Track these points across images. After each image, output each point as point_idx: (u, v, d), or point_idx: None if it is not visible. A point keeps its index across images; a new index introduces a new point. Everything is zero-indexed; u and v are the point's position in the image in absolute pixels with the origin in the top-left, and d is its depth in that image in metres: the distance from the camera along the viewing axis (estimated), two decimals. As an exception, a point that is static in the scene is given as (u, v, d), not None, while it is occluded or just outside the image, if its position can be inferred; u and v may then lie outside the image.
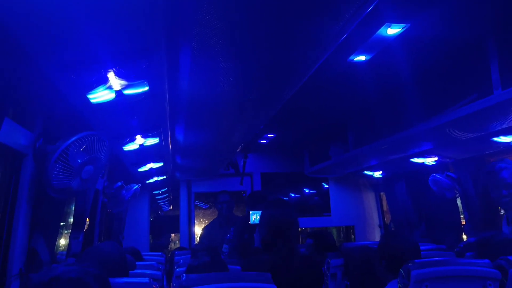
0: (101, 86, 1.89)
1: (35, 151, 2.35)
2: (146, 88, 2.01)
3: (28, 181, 2.35)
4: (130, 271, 2.57)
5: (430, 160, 4.41)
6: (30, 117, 2.33)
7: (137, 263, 3.36)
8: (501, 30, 2.47)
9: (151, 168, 4.62)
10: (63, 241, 4.73)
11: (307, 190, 7.27)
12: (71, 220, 3.82)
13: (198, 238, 6.64)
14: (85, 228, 3.97)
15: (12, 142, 2.14)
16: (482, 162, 4.41)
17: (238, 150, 5.17)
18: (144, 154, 3.82)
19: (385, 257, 2.40)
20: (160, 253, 4.87)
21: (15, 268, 2.29)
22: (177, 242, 10.22)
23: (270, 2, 1.57)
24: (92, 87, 1.89)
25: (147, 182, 5.67)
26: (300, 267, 2.38)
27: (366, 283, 2.85)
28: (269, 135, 5.30)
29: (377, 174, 5.82)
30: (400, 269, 2.20)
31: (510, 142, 3.31)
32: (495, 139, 3.28)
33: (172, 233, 10.77)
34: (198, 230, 10.74)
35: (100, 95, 1.96)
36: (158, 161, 4.47)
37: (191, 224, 6.62)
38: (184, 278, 2.23)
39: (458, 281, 2.19)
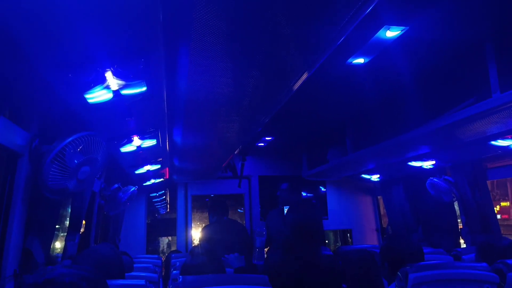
0: (98, 86, 1.87)
1: (31, 151, 2.33)
2: (144, 88, 2.00)
3: (23, 182, 2.33)
4: (127, 273, 2.56)
5: (427, 164, 4.42)
6: (26, 116, 2.31)
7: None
8: (499, 33, 2.47)
9: (148, 170, 4.60)
10: (59, 244, 4.70)
11: (304, 194, 7.26)
12: (67, 222, 3.79)
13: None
14: (81, 230, 3.95)
15: (8, 141, 2.13)
16: (480, 166, 4.41)
17: (236, 152, 5.16)
18: (142, 156, 3.81)
19: (388, 260, 2.39)
20: (156, 256, 4.86)
21: (9, 269, 2.26)
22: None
23: (268, 3, 1.57)
24: (90, 86, 1.88)
25: (144, 184, 5.65)
26: (319, 270, 2.35)
27: (363, 287, 2.83)
28: (267, 138, 5.30)
29: (375, 177, 5.83)
30: (398, 272, 2.19)
31: (507, 146, 3.32)
32: (493, 142, 3.29)
33: (166, 236, 10.71)
34: (195, 233, 10.69)
35: (97, 95, 1.94)
36: (156, 163, 4.45)
37: (188, 227, 6.59)
38: (180, 280, 2.22)
39: (456, 284, 2.19)
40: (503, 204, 11.55)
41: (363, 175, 5.84)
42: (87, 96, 1.96)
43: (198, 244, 4.87)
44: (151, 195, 7.22)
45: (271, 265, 2.60)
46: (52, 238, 3.03)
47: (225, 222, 4.64)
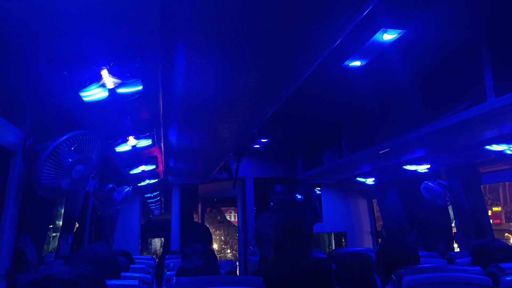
0: (94, 84, 1.86)
1: (25, 150, 2.31)
2: (140, 87, 1.99)
3: (16, 180, 2.31)
4: (122, 273, 2.54)
5: (422, 168, 4.43)
6: (21, 114, 2.29)
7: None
8: (495, 38, 2.48)
9: (143, 171, 4.58)
10: (51, 244, 4.67)
11: (299, 196, 7.25)
12: (60, 223, 3.76)
13: None
14: (75, 230, 3.92)
15: (1, 140, 2.10)
16: (474, 170, 4.43)
17: (231, 154, 5.16)
18: (137, 156, 3.79)
19: (383, 263, 2.38)
20: (150, 257, 4.83)
21: (2, 269, 2.24)
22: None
23: (265, 4, 1.57)
24: (85, 84, 1.86)
25: (139, 185, 5.63)
26: (309, 272, 2.32)
27: (357, 290, 2.83)
28: (262, 140, 5.29)
29: (370, 181, 5.83)
30: (392, 275, 2.19)
31: (502, 151, 3.33)
32: (487, 147, 3.30)
33: (160, 238, 10.66)
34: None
35: (93, 93, 1.93)
36: (151, 164, 4.43)
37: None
38: (174, 281, 2.20)
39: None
40: (495, 209, 11.62)
41: (358, 178, 5.85)
42: (82, 94, 1.95)
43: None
44: (145, 195, 7.18)
45: (263, 267, 2.59)
46: (45, 238, 3.00)
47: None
